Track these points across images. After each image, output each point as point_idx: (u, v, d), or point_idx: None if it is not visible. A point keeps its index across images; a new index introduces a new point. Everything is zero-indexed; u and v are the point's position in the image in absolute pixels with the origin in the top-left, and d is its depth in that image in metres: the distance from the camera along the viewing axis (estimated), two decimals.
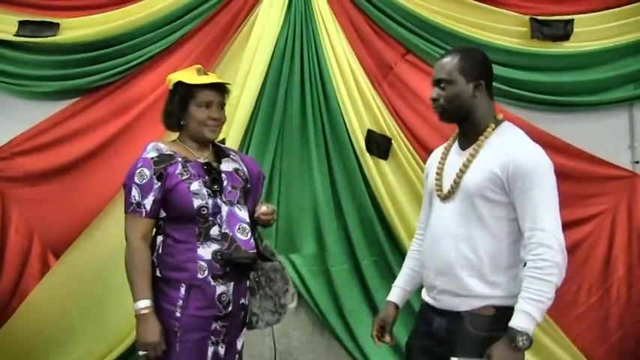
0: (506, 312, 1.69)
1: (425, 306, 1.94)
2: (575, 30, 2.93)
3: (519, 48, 2.97)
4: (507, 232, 1.76)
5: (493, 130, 1.83)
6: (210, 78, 2.07)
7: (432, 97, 1.88)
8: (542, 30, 2.93)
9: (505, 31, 3.00)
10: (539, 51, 2.96)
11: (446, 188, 1.85)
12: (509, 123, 1.88)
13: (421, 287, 2.01)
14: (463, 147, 1.88)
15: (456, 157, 1.89)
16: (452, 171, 1.85)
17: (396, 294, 2.08)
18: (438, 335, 1.83)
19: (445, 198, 1.85)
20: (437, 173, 1.92)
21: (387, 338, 2.06)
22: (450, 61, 1.84)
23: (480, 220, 1.76)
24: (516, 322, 1.65)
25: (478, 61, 1.86)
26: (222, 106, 2.07)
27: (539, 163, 1.74)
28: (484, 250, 1.75)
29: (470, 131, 1.86)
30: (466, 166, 1.81)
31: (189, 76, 2.05)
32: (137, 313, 1.90)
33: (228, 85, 2.11)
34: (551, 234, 1.67)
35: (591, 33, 2.95)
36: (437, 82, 1.86)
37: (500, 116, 1.89)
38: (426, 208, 2.02)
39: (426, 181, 2.04)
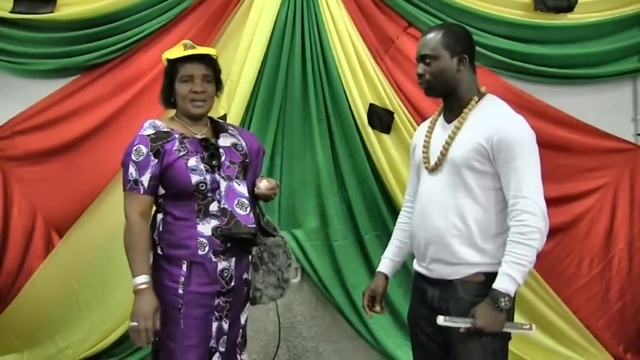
0: (495, 276, 1.77)
1: (417, 276, 2.00)
2: (579, 1, 2.91)
3: (522, 20, 2.96)
4: (494, 201, 1.82)
5: (477, 102, 1.89)
6: (197, 51, 2.04)
7: (417, 73, 1.92)
8: (546, 1, 2.91)
9: (508, 3, 2.98)
10: (542, 23, 2.94)
11: (433, 160, 1.91)
12: (492, 95, 1.93)
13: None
14: (448, 120, 1.94)
15: (442, 130, 1.94)
16: (438, 144, 1.91)
17: (386, 265, 2.14)
18: (432, 304, 1.90)
19: (432, 170, 1.91)
20: (424, 146, 1.98)
21: (378, 308, 2.11)
22: (433, 37, 1.88)
23: (467, 191, 1.82)
24: (499, 284, 1.74)
25: (461, 36, 1.91)
26: (207, 78, 2.04)
27: (522, 134, 1.81)
28: (473, 219, 1.82)
29: (455, 105, 1.91)
30: (452, 138, 1.87)
31: (176, 51, 2.03)
32: (135, 288, 1.90)
33: (213, 55, 2.08)
34: (533, 201, 1.74)
35: (595, 4, 2.93)
36: (422, 58, 1.91)
37: (483, 89, 1.94)
38: (414, 181, 2.09)
39: (412, 154, 2.09)
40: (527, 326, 1.80)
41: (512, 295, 1.74)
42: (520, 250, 1.73)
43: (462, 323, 1.76)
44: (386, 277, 2.13)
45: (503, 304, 1.72)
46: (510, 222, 1.77)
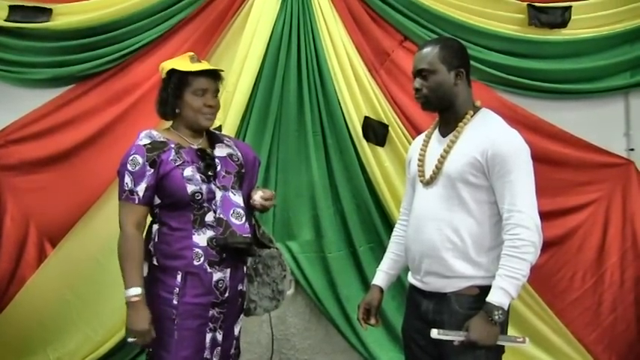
0: (489, 289, 1.77)
1: (412, 289, 2.01)
2: (572, 17, 2.94)
3: (517, 35, 2.98)
4: (489, 214, 1.83)
5: (472, 116, 1.90)
6: (204, 65, 2.06)
7: (414, 88, 1.93)
8: (540, 17, 2.93)
9: (503, 18, 3.00)
10: (536, 38, 2.97)
11: (428, 174, 1.92)
12: (487, 109, 1.95)
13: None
14: (444, 134, 1.95)
15: (437, 143, 1.96)
16: (433, 157, 1.92)
17: (381, 278, 2.14)
18: (427, 317, 1.90)
19: (427, 183, 1.92)
20: (419, 160, 1.99)
21: (373, 320, 2.11)
22: (430, 52, 1.89)
23: (462, 204, 1.83)
24: (493, 297, 1.75)
25: (457, 50, 1.93)
26: (216, 93, 2.07)
27: (517, 148, 1.82)
28: (467, 233, 1.83)
29: (450, 119, 1.93)
30: (447, 152, 1.88)
31: (183, 63, 2.04)
32: (128, 300, 1.91)
33: (222, 72, 2.10)
34: (527, 215, 1.75)
35: (589, 20, 2.96)
36: (419, 73, 1.92)
37: (478, 103, 1.96)
38: (409, 194, 2.09)
39: (408, 168, 2.10)
40: (521, 339, 1.81)
41: (506, 308, 1.75)
42: (514, 263, 1.74)
43: (455, 336, 1.76)
44: (381, 289, 2.13)
45: (497, 317, 1.73)
46: (504, 235, 1.78)
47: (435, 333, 1.78)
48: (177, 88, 2.02)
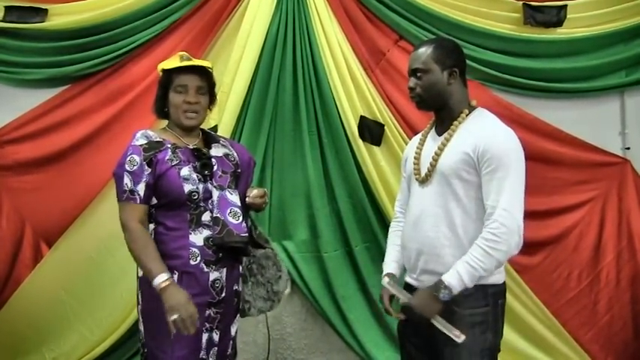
0: (485, 288, 1.80)
1: (407, 288, 2.00)
2: (568, 16, 2.94)
3: (512, 34, 2.98)
4: (483, 211, 1.82)
5: (467, 115, 1.91)
6: (193, 62, 2.05)
7: (409, 87, 1.95)
8: (535, 16, 2.93)
9: (498, 17, 3.00)
10: (531, 37, 2.97)
11: (423, 172, 1.93)
12: (482, 109, 1.96)
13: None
14: (439, 133, 1.96)
15: (433, 142, 1.97)
16: (429, 155, 1.94)
17: (391, 267, 2.07)
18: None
19: (423, 181, 1.93)
20: (415, 158, 2.00)
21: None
22: (424, 51, 1.91)
23: (456, 200, 1.84)
24: (447, 277, 1.77)
25: (451, 49, 1.94)
26: (201, 90, 2.05)
27: (508, 146, 1.82)
28: (462, 229, 1.83)
29: (445, 118, 1.94)
30: (441, 149, 1.89)
31: (173, 62, 2.04)
32: (159, 288, 1.84)
33: (208, 68, 2.08)
34: (509, 213, 1.75)
35: (584, 19, 2.96)
36: (413, 72, 1.93)
37: (474, 102, 1.96)
38: (404, 193, 2.11)
39: (404, 166, 2.11)
40: (457, 332, 1.78)
41: (455, 292, 1.75)
42: (479, 254, 1.75)
43: (446, 328, 1.76)
44: (393, 275, 2.05)
45: (442, 295, 1.75)
46: (484, 228, 1.78)
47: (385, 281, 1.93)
48: (164, 86, 2.03)
